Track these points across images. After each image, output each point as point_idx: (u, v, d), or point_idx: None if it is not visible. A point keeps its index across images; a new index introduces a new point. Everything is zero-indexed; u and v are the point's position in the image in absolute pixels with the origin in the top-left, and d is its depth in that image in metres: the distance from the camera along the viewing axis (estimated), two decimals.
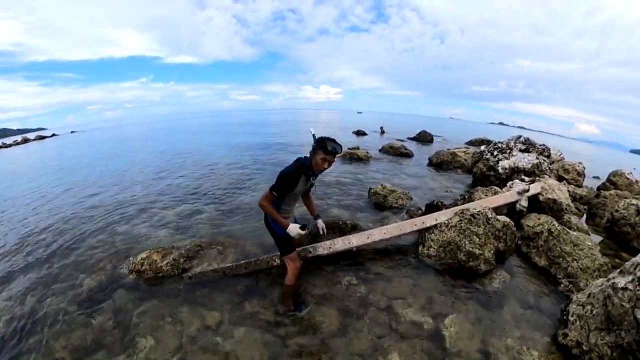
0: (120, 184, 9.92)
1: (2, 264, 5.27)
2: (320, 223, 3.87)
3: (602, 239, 6.09)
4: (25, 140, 45.37)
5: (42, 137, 49.42)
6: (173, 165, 12.55)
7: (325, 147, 3.05)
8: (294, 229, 3.25)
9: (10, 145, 40.86)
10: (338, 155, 3.20)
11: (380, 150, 15.19)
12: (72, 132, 60.46)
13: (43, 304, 4.06)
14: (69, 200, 8.62)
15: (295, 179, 3.20)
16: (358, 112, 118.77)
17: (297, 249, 3.97)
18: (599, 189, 9.48)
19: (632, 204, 5.93)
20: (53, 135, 54.95)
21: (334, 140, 3.13)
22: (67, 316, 3.79)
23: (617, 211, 6.06)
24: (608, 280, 3.18)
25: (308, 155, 3.28)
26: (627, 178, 9.65)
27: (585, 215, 7.46)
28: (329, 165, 3.17)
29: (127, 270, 4.59)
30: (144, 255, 4.69)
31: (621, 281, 2.92)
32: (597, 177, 13.16)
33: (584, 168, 10.44)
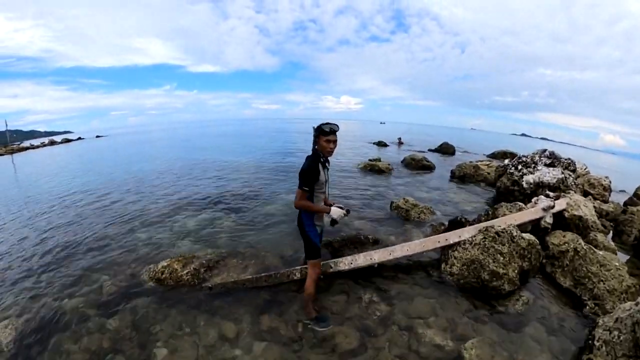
0: (143, 190, 10.16)
1: (24, 263, 5.46)
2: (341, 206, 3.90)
3: (629, 257, 5.86)
4: (52, 143, 47.14)
5: (68, 140, 51.19)
6: (194, 173, 12.78)
7: (322, 129, 3.37)
8: (336, 211, 3.47)
9: (37, 147, 42.46)
10: (336, 131, 3.45)
11: (401, 162, 15.11)
12: (97, 136, 62.26)
13: (62, 305, 4.16)
14: (93, 203, 8.88)
15: (316, 169, 3.40)
16: (381, 123, 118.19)
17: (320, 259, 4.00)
18: (625, 204, 9.18)
19: None
20: (79, 138, 56.82)
21: (328, 123, 3.41)
22: (85, 319, 3.87)
23: None
24: (637, 305, 3.08)
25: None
26: None
27: (611, 233, 7.20)
28: (334, 144, 3.45)
29: (148, 277, 4.67)
30: (165, 263, 4.77)
31: None
32: (624, 191, 12.72)
33: (610, 182, 10.16)
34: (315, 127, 3.44)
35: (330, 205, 3.71)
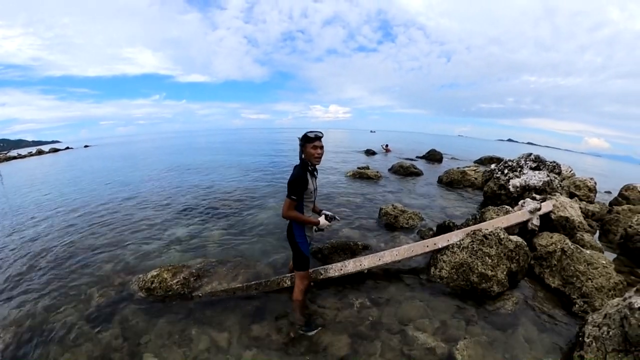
0: (132, 199, 10.09)
1: (11, 274, 5.35)
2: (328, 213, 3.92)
3: (616, 256, 5.97)
4: (40, 152, 46.56)
5: (56, 150, 50.66)
6: (183, 183, 12.76)
7: (307, 137, 3.41)
8: (324, 223, 3.60)
9: (25, 157, 41.97)
10: (321, 137, 3.47)
11: (390, 170, 15.26)
12: (85, 146, 61.75)
13: (51, 316, 4.10)
14: (82, 213, 8.74)
15: (304, 178, 3.42)
16: (371, 131, 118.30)
17: (309, 270, 3.99)
18: (611, 204, 9.33)
19: None
20: (67, 148, 56.51)
21: (312, 130, 3.45)
22: (75, 330, 3.81)
23: (630, 227, 5.98)
24: (624, 300, 3.12)
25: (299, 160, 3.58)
26: None
27: (598, 232, 7.33)
28: (321, 149, 3.47)
29: (137, 287, 4.62)
30: (154, 272, 4.72)
31: (638, 301, 2.88)
32: (609, 192, 12.98)
33: (595, 183, 10.32)
34: (301, 136, 3.47)
35: (319, 212, 3.73)
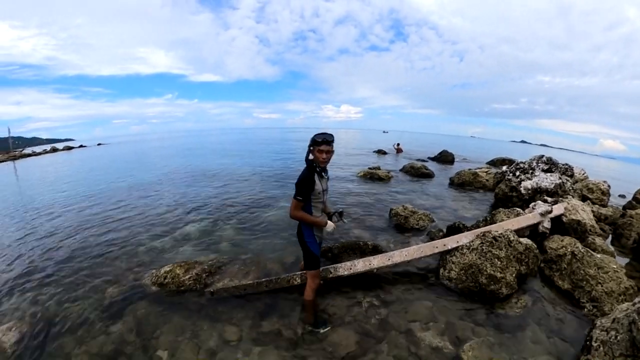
0: (144, 197, 10.28)
1: (27, 268, 5.51)
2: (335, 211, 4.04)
3: (629, 260, 5.89)
4: (54, 150, 47.39)
5: (69, 148, 51.46)
6: (195, 181, 12.94)
7: (315, 140, 3.42)
8: (330, 226, 3.67)
9: (39, 154, 42.76)
10: (331, 141, 3.47)
11: (401, 170, 15.22)
12: (99, 144, 62.71)
13: (65, 309, 4.22)
14: (96, 211, 8.93)
15: (311, 179, 3.47)
16: (384, 132, 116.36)
17: (319, 269, 4.04)
18: (624, 208, 9.18)
19: None
20: (81, 146, 57.24)
21: (322, 133, 3.45)
22: (88, 323, 3.92)
23: None
24: (634, 305, 3.12)
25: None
26: None
27: (610, 236, 7.23)
28: (328, 153, 3.48)
29: (150, 282, 4.73)
30: (167, 268, 4.84)
31: None
32: (623, 196, 12.72)
33: (609, 187, 10.20)
34: (311, 137, 3.52)
35: (328, 213, 3.77)
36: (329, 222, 3.65)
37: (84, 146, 56.58)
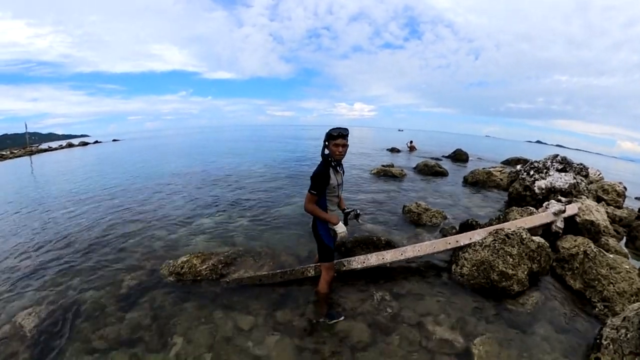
0: (160, 191, 10.50)
1: (46, 257, 5.70)
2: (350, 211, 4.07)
3: None
4: (70, 145, 48.37)
5: (85, 143, 52.49)
6: (210, 176, 13.15)
7: (330, 134, 3.48)
8: (339, 227, 3.63)
9: (56, 149, 43.63)
10: (345, 135, 3.51)
11: (414, 169, 15.21)
12: (114, 140, 63.55)
13: (83, 296, 4.35)
14: (112, 203, 9.19)
15: (326, 173, 3.52)
16: (399, 130, 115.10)
17: (333, 261, 4.12)
18: None
19: None
20: (96, 142, 58.12)
21: (337, 128, 3.50)
22: (106, 310, 4.04)
23: None
24: None
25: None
26: None
27: (625, 238, 7.17)
28: (344, 147, 3.53)
29: (167, 272, 4.85)
30: (184, 258, 4.96)
31: None
32: None
33: (625, 188, 10.10)
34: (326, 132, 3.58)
35: (344, 210, 3.83)
36: (340, 223, 3.65)
37: (99, 142, 57.45)
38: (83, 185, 12.37)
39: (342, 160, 3.68)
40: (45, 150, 41.73)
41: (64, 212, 8.46)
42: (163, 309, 4.05)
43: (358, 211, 4.00)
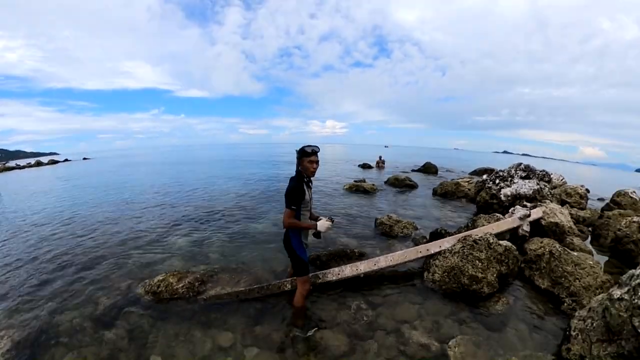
0: (133, 210, 10.27)
1: (19, 278, 5.49)
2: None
3: (607, 258, 6.21)
4: (39, 164, 46.27)
5: (54, 162, 50.55)
6: (183, 195, 12.98)
7: (305, 151, 3.61)
8: (323, 224, 3.68)
9: (24, 167, 42.04)
10: (318, 152, 3.69)
11: (385, 182, 15.46)
12: (84, 158, 62.11)
13: (58, 318, 4.21)
14: (85, 223, 8.91)
15: (301, 188, 3.60)
16: (385, 146, 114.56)
17: (309, 275, 4.16)
18: (603, 210, 9.57)
19: (634, 222, 6.09)
20: (66, 160, 56.53)
21: (309, 145, 3.64)
22: (81, 331, 3.93)
23: (619, 230, 6.20)
24: (608, 295, 3.31)
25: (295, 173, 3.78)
26: (631, 197, 9.75)
27: (590, 237, 7.57)
28: (317, 164, 3.69)
29: (143, 291, 4.77)
30: (160, 277, 4.89)
31: (617, 292, 3.06)
32: (602, 199, 13.25)
33: (587, 191, 10.55)
34: (298, 149, 3.69)
35: (316, 219, 3.91)
36: (320, 223, 3.69)
37: (69, 160, 55.91)
38: (54, 204, 11.96)
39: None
40: (13, 168, 40.04)
41: (36, 233, 8.14)
42: (140, 328, 3.97)
43: (331, 217, 4.02)
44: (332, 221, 3.79)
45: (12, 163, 50.45)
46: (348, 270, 4.67)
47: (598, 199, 13.47)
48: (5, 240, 7.77)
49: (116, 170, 28.32)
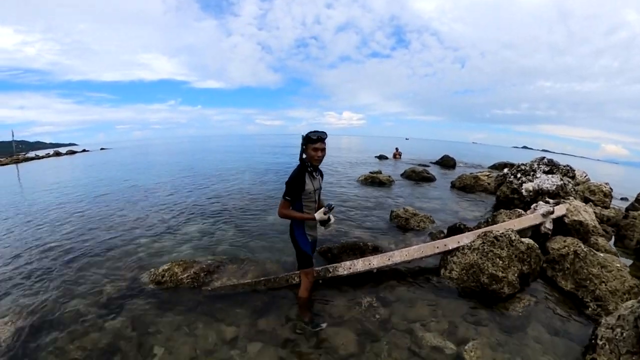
0: (145, 200, 10.31)
1: (25, 265, 5.52)
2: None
3: (632, 261, 5.86)
4: (57, 154, 47.69)
5: (72, 152, 51.93)
6: (196, 185, 12.96)
7: (309, 138, 3.35)
8: (318, 214, 3.49)
9: (42, 157, 42.96)
10: (324, 138, 3.40)
11: (402, 175, 15.18)
12: (101, 148, 63.37)
13: (62, 305, 4.20)
14: (96, 211, 9.00)
15: (301, 178, 3.44)
16: (406, 139, 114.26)
17: (317, 268, 4.07)
18: (627, 210, 9.16)
19: None
20: (84, 150, 57.87)
21: (315, 131, 3.38)
22: (85, 319, 3.89)
23: None
24: (639, 302, 3.08)
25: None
26: None
27: (613, 238, 7.21)
28: (322, 152, 3.42)
29: (148, 280, 4.71)
30: (165, 267, 4.83)
31: None
32: (626, 199, 12.76)
33: (611, 189, 10.17)
34: (304, 135, 3.44)
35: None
36: (317, 213, 3.51)
37: (87, 150, 57.05)
38: (68, 193, 12.11)
39: (324, 166, 3.57)
40: (32, 159, 41.04)
41: (47, 220, 8.24)
42: (143, 318, 3.89)
43: (332, 205, 3.65)
44: (331, 208, 3.51)
45: (31, 154, 51.63)
46: (360, 264, 4.49)
47: (621, 198, 12.96)
48: (17, 227, 7.86)
49: (131, 160, 28.67)
